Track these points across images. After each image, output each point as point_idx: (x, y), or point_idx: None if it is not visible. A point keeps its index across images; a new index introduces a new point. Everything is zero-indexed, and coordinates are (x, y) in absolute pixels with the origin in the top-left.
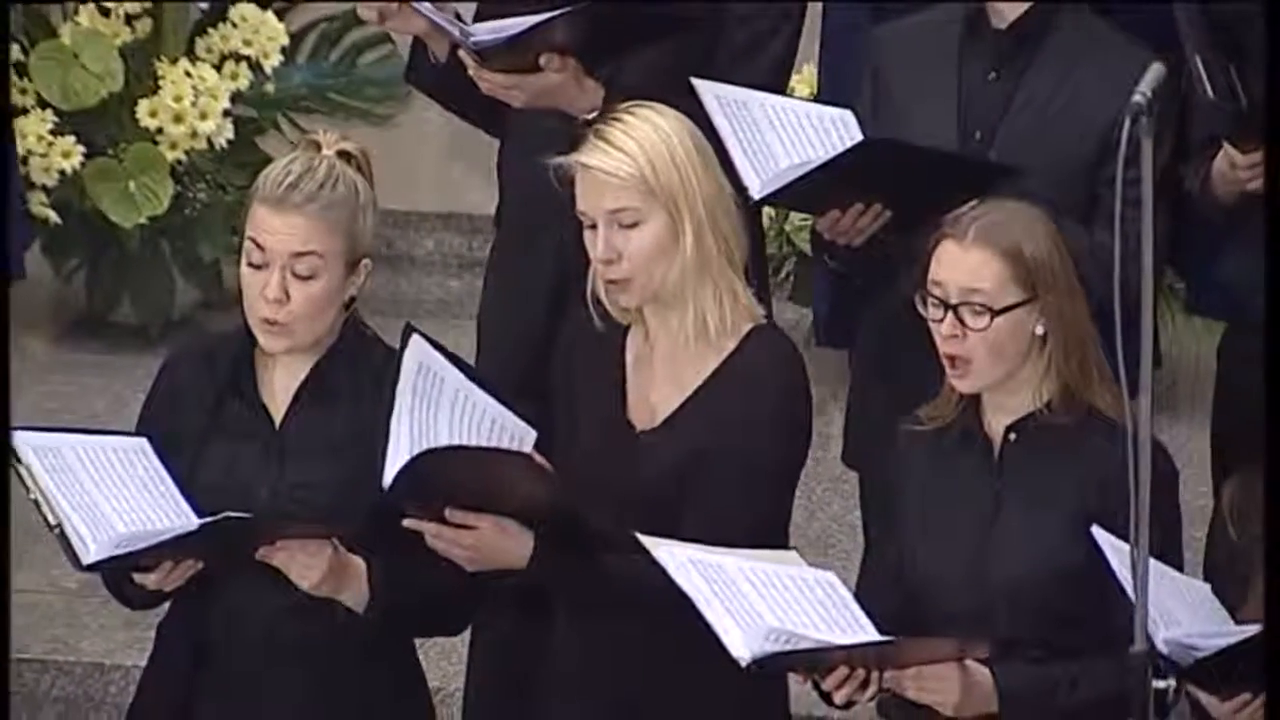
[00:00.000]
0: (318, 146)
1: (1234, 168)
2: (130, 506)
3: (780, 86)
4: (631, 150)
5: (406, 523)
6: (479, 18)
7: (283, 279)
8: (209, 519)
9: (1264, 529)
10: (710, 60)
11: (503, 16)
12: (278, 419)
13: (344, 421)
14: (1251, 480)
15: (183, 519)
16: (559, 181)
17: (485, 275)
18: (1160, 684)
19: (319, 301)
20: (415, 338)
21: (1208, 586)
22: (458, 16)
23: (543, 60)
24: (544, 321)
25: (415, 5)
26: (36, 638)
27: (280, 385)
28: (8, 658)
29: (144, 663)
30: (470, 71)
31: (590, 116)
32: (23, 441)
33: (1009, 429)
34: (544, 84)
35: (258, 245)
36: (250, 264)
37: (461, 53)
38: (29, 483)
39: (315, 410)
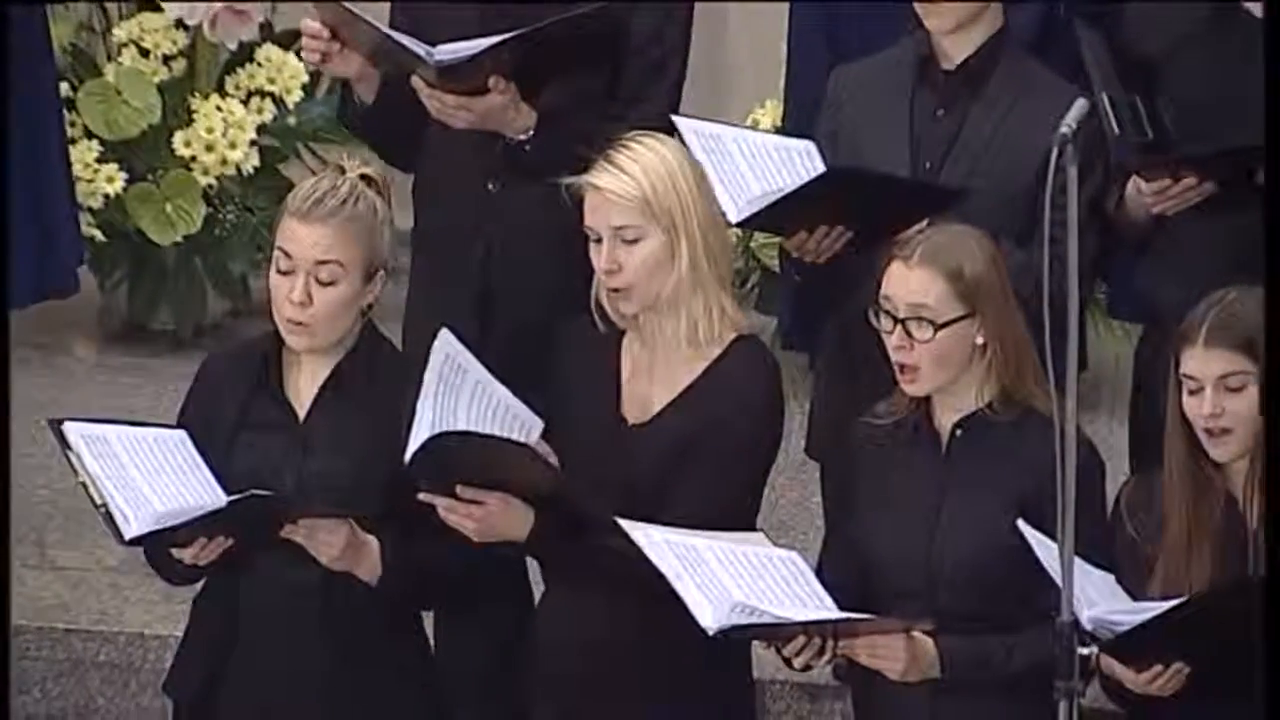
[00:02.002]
0: (342, 170)
1: (1141, 193)
2: (168, 489)
3: (676, 105)
4: (636, 174)
5: (422, 496)
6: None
7: (307, 284)
8: (236, 496)
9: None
10: (615, 85)
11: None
12: (302, 414)
13: (361, 417)
14: (1144, 480)
15: (215, 500)
16: (570, 200)
17: (409, 292)
18: (1084, 650)
19: (338, 306)
20: (444, 332)
21: (1111, 575)
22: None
23: (491, 82)
24: (469, 328)
25: (380, 26)
26: (83, 610)
27: (304, 384)
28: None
29: (180, 633)
30: (424, 94)
31: (524, 138)
32: (74, 431)
33: (956, 425)
34: (488, 106)
35: (286, 254)
36: (279, 270)
37: (415, 78)
38: (78, 467)
39: (335, 406)
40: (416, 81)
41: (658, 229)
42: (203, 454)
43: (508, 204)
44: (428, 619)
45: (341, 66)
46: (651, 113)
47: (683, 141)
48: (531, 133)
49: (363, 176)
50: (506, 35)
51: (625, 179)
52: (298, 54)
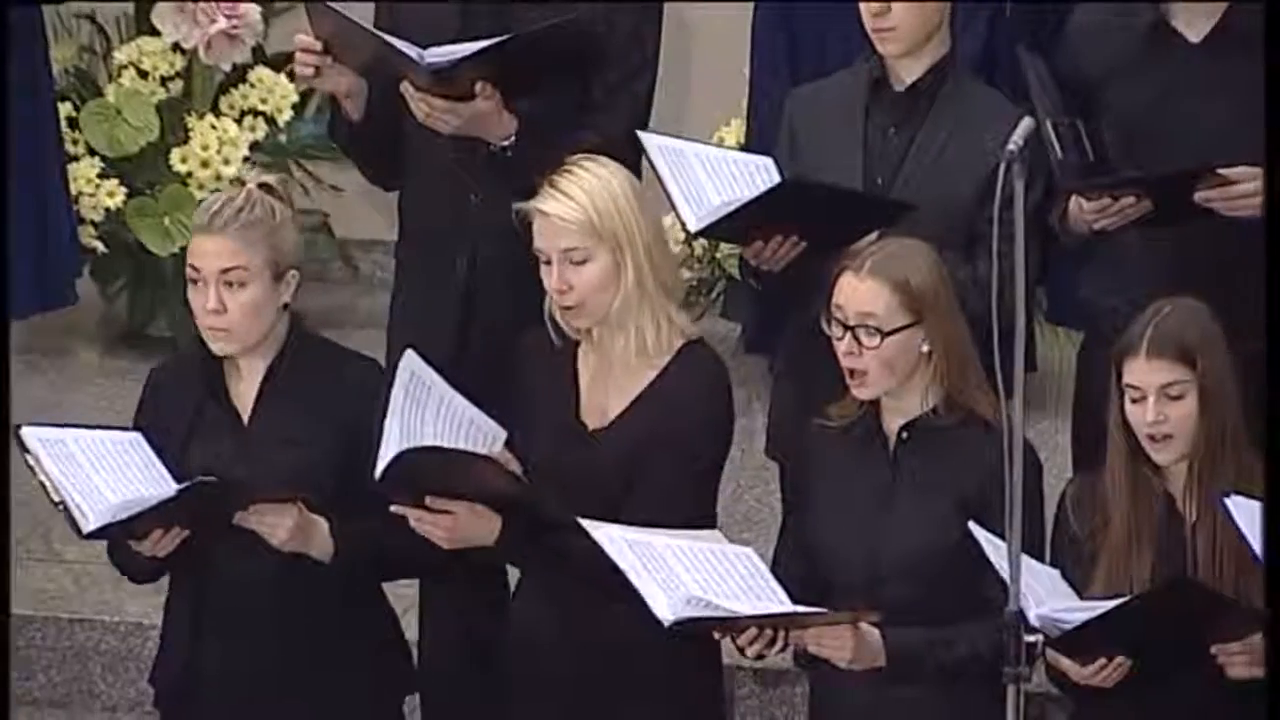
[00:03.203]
0: (242, 183)
1: (1083, 211)
2: (124, 486)
3: (645, 117)
4: (579, 198)
5: (394, 508)
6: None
7: (218, 292)
8: (187, 484)
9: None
10: (587, 96)
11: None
12: (245, 415)
13: (301, 409)
14: (1087, 480)
15: (168, 492)
16: (520, 225)
17: (392, 299)
18: (1030, 638)
19: (251, 308)
20: (409, 351)
21: (1057, 572)
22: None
23: (477, 87)
24: (453, 334)
25: (377, 32)
26: (86, 601)
27: (244, 388)
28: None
29: None
30: (412, 99)
31: (505, 144)
32: (31, 435)
33: (902, 428)
34: (473, 111)
35: (194, 268)
36: (192, 284)
37: (405, 85)
38: (35, 469)
39: (275, 402)
40: (405, 86)
41: (604, 249)
42: (160, 456)
43: (490, 214)
44: (410, 616)
45: (332, 82)
46: (621, 123)
47: (646, 157)
48: (512, 139)
49: (260, 185)
50: (495, 40)
51: (570, 204)
52: (289, 76)
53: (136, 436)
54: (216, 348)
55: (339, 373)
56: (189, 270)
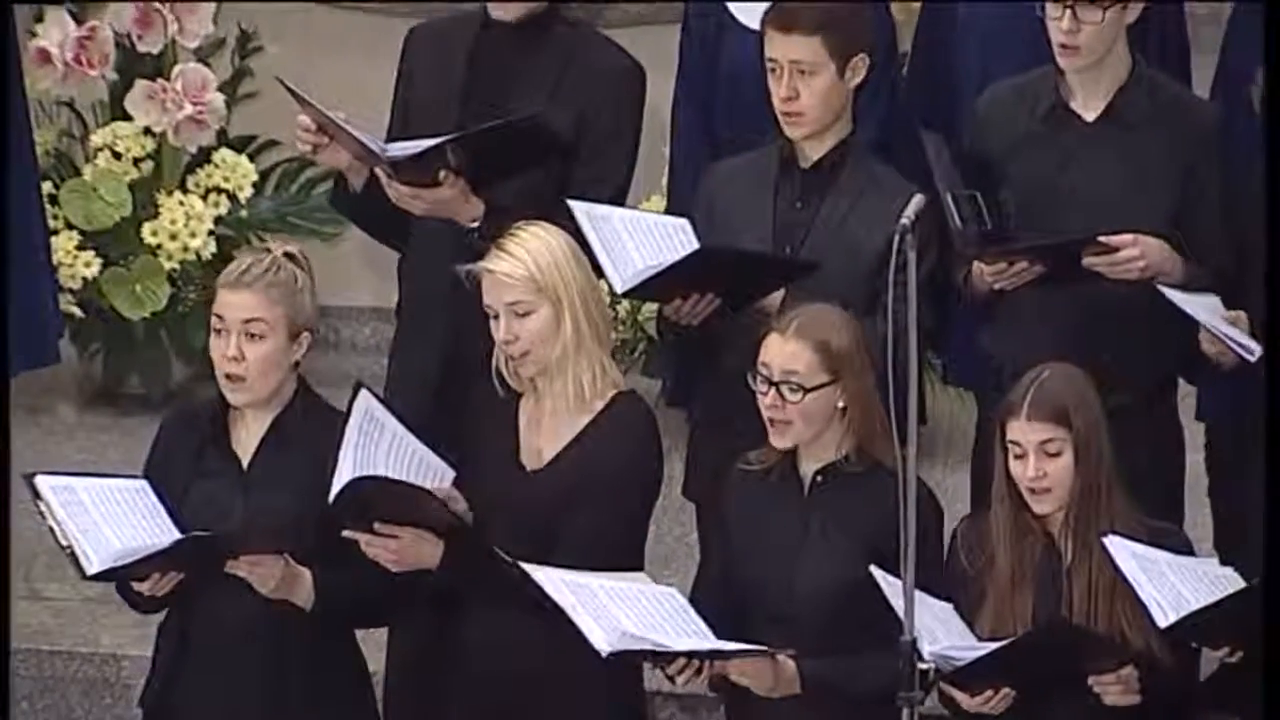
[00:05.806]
0: (268, 249)
1: (983, 274)
2: (128, 531)
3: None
4: (522, 257)
5: (345, 533)
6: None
7: (238, 341)
8: (180, 536)
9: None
10: (565, 187)
11: None
12: (245, 463)
13: (297, 462)
14: (975, 522)
15: (169, 539)
16: (469, 284)
17: (390, 354)
18: (924, 665)
19: (267, 360)
20: (364, 392)
21: (950, 605)
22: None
23: (441, 176)
24: (436, 387)
25: (346, 124)
26: (66, 634)
27: (247, 437)
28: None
29: (150, 653)
30: (384, 183)
31: (474, 225)
32: (43, 482)
33: (816, 473)
34: (438, 196)
35: (219, 317)
36: (215, 333)
37: (379, 170)
38: (46, 513)
39: (275, 455)
40: (379, 171)
41: (545, 301)
42: (163, 499)
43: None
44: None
45: (331, 158)
46: None
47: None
48: (479, 221)
49: (285, 253)
50: (450, 135)
51: (515, 262)
52: (249, 157)
53: (143, 484)
54: (231, 398)
55: (330, 431)
56: (214, 320)
